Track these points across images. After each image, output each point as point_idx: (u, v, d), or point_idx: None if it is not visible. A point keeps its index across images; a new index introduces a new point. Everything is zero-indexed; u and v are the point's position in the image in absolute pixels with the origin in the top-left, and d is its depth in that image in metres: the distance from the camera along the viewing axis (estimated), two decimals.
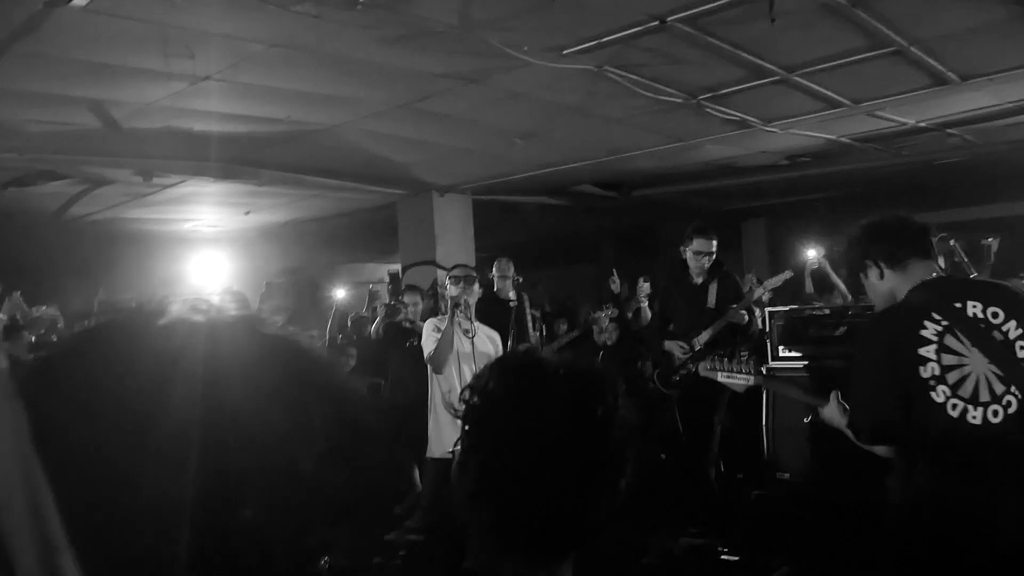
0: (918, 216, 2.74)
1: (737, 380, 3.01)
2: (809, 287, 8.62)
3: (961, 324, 2.34)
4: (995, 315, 2.36)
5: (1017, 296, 2.47)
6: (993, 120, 6.84)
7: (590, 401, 1.12)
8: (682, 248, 5.79)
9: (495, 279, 6.59)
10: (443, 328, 4.90)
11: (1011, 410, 2.27)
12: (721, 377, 3.06)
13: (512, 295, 6.15)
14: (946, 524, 2.30)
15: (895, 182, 9.65)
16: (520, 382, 1.13)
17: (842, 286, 8.01)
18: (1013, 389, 2.27)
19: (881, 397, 2.39)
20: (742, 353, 3.09)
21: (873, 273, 2.62)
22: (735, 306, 5.53)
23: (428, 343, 4.98)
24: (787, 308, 6.80)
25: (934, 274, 2.53)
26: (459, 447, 1.16)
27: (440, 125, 6.27)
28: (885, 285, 2.59)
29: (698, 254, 5.62)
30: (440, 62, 4.90)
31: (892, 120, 6.73)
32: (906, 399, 2.33)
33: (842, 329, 6.12)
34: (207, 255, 11.09)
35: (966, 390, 2.29)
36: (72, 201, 8.13)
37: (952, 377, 2.30)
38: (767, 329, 6.40)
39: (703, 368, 3.18)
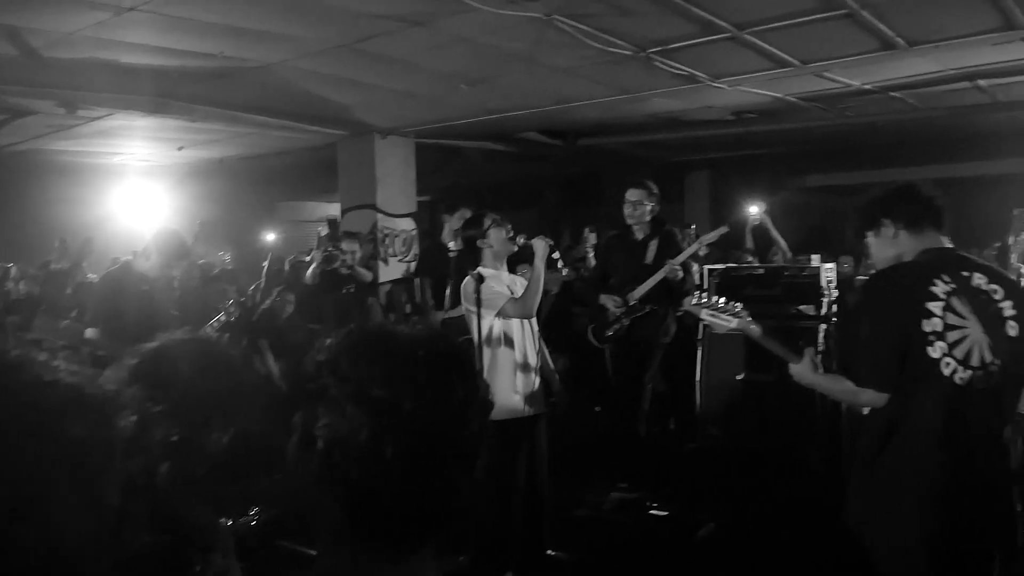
0: (859, 176, 2.77)
1: (719, 320, 2.92)
2: (749, 242, 8.71)
3: (966, 291, 2.42)
4: (995, 292, 2.46)
5: (1018, 285, 2.60)
6: (935, 85, 6.91)
7: (448, 382, 1.04)
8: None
9: (449, 227, 6.43)
10: (500, 278, 4.39)
11: (992, 381, 2.38)
12: (705, 315, 2.96)
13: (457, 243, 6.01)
14: (918, 470, 2.40)
15: (837, 142, 9.75)
16: (371, 358, 1.03)
17: (782, 242, 8.11)
18: (997, 361, 2.38)
19: (884, 341, 2.42)
20: (732, 302, 2.96)
21: (887, 232, 2.60)
22: (671, 261, 5.49)
23: (493, 297, 4.21)
24: (724, 265, 6.86)
25: (945, 245, 2.58)
26: (299, 422, 1.06)
27: (382, 67, 6.07)
28: (896, 246, 2.59)
29: (627, 203, 5.59)
30: (382, 2, 4.70)
31: (838, 81, 6.74)
32: (905, 348, 2.38)
33: (778, 289, 6.21)
34: (139, 189, 10.68)
35: (960, 351, 2.36)
36: None
37: (951, 336, 2.37)
38: (704, 285, 6.44)
39: (687, 303, 3.07)
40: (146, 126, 7.79)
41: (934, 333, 2.35)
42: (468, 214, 6.33)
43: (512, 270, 4.64)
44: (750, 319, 2.87)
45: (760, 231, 8.49)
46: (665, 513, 5.20)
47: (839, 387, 2.58)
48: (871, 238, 2.66)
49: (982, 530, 2.41)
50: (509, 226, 4.43)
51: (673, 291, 5.43)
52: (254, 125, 7.79)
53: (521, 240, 4.43)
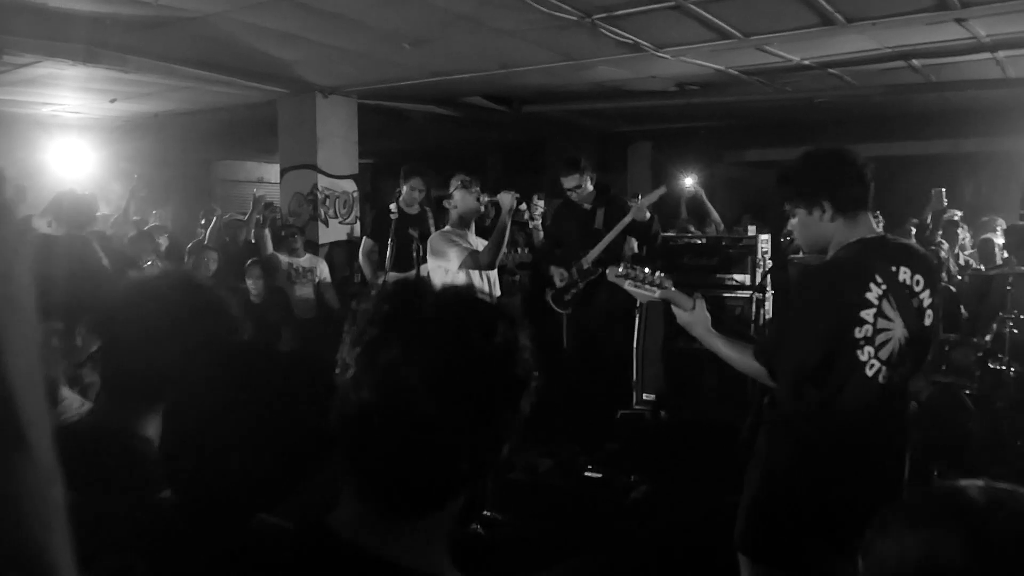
0: (796, 152, 2.66)
1: (643, 291, 2.86)
2: (684, 213, 8.82)
3: (894, 289, 2.39)
4: (918, 283, 2.43)
5: (933, 266, 2.56)
6: (871, 63, 7.06)
7: (475, 333, 1.00)
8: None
9: (405, 192, 6.36)
10: (460, 236, 4.49)
11: (904, 370, 2.42)
12: (628, 285, 2.89)
13: (416, 209, 6.01)
14: (834, 462, 2.41)
15: (776, 116, 9.91)
16: (399, 311, 1.01)
17: (715, 214, 8.23)
18: (911, 352, 2.41)
19: (813, 346, 2.37)
20: (657, 272, 2.93)
21: (820, 214, 2.44)
22: (637, 202, 5.55)
23: (455, 249, 4.43)
24: (663, 235, 6.94)
25: (873, 230, 2.49)
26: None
27: (325, 22, 5.94)
28: (828, 230, 2.45)
29: (569, 190, 5.69)
30: None
31: (779, 56, 6.84)
32: (834, 353, 2.36)
33: (715, 259, 6.32)
34: (69, 143, 10.31)
35: (885, 353, 2.37)
36: None
37: (879, 339, 2.36)
38: (642, 254, 6.53)
39: (612, 273, 3.03)
40: (76, 75, 7.50)
41: (864, 339, 2.35)
42: (420, 184, 6.29)
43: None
44: (674, 289, 2.81)
45: (695, 203, 8.61)
46: (599, 475, 5.30)
47: (742, 359, 2.56)
48: (802, 215, 2.50)
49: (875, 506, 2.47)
50: (477, 188, 4.47)
51: (642, 234, 5.52)
52: (190, 79, 7.57)
53: (485, 198, 4.48)
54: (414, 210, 6.11)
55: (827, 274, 2.49)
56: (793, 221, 2.59)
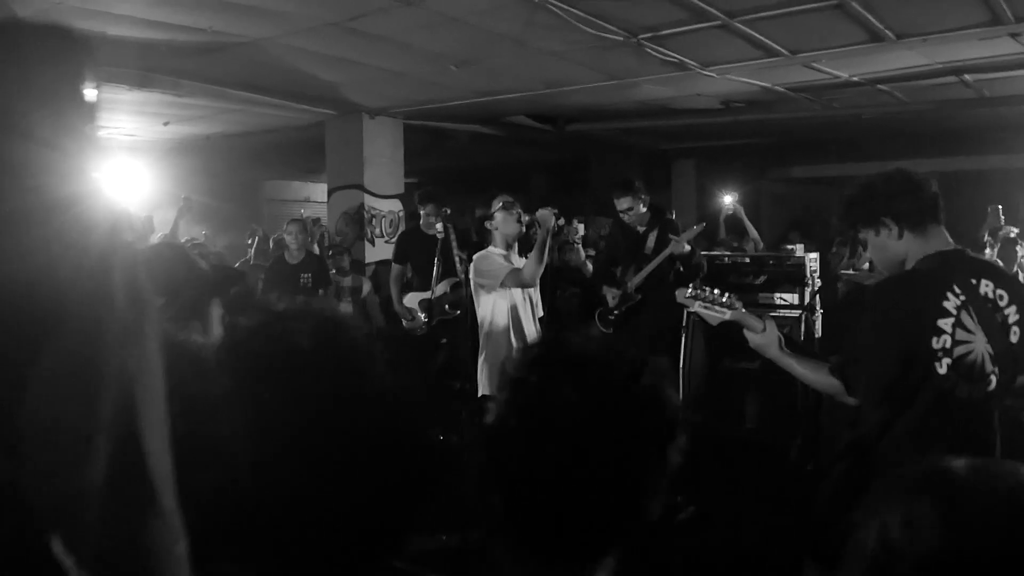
0: (843, 168, 2.65)
1: (713, 312, 2.78)
2: (723, 232, 8.75)
3: (975, 301, 2.33)
4: (1001, 297, 2.37)
5: (1018, 283, 2.50)
6: (922, 79, 6.95)
7: (622, 377, 1.02)
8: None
9: (422, 217, 6.42)
10: (503, 256, 4.60)
11: (990, 388, 2.33)
12: (698, 307, 2.81)
13: (439, 228, 6.01)
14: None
15: (823, 133, 9.79)
16: (548, 356, 1.05)
17: (754, 232, 8.15)
18: (997, 370, 2.33)
19: (890, 357, 2.31)
20: (727, 293, 2.86)
21: (888, 233, 2.43)
22: (676, 238, 5.50)
23: (498, 268, 4.53)
24: (707, 254, 6.90)
25: (950, 243, 2.45)
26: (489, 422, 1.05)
27: (372, 46, 6.03)
28: (900, 247, 2.43)
29: (622, 212, 5.68)
30: None
31: (827, 72, 6.77)
32: (911, 365, 2.30)
33: (762, 278, 6.26)
34: (123, 165, 10.57)
35: (964, 366, 2.29)
36: None
37: (958, 352, 2.29)
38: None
39: (680, 295, 2.97)
40: (131, 100, 7.71)
41: (943, 350, 2.28)
42: (433, 210, 6.30)
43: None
44: (745, 310, 2.75)
45: (733, 220, 8.54)
46: None
47: (818, 377, 2.53)
48: (871, 238, 2.50)
49: None
50: (518, 209, 4.56)
51: (684, 266, 5.49)
52: (241, 102, 7.74)
53: (525, 218, 4.56)
54: (436, 232, 6.15)
55: (902, 284, 2.44)
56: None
